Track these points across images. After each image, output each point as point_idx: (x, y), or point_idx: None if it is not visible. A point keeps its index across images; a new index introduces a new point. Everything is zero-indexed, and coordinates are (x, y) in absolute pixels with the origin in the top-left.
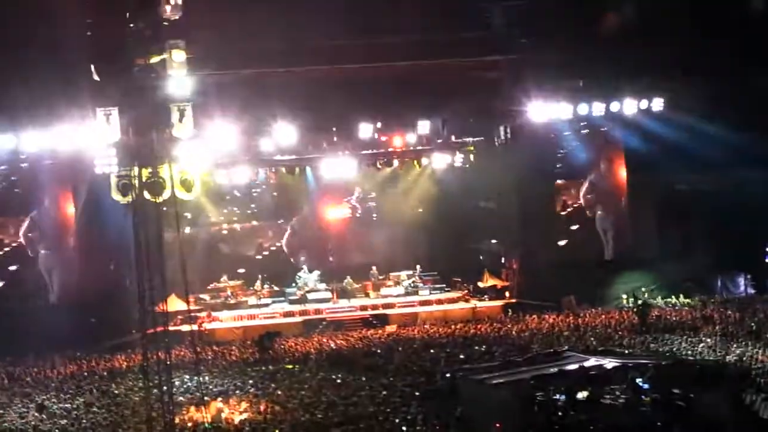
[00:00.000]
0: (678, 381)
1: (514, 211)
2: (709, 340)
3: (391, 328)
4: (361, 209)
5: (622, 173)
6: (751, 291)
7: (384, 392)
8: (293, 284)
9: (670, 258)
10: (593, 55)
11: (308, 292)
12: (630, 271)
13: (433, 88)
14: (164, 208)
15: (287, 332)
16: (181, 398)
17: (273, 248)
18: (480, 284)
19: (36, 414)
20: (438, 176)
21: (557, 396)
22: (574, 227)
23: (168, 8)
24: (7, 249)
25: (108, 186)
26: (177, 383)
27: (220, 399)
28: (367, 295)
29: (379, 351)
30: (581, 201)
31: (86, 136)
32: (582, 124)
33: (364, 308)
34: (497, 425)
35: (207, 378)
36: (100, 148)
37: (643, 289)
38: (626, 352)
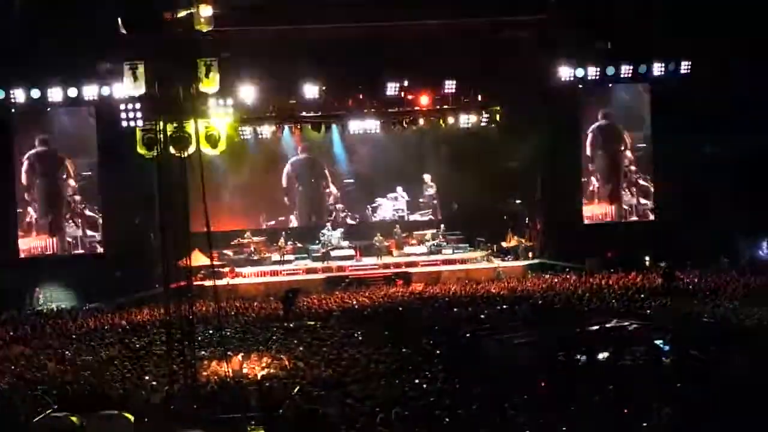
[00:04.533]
0: (698, 342)
1: (539, 171)
2: (730, 303)
3: (413, 287)
4: None
5: (648, 137)
6: None
7: (405, 350)
8: (316, 241)
9: (694, 222)
10: (621, 16)
11: (331, 249)
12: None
13: (460, 48)
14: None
15: (310, 289)
16: (203, 352)
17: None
18: (503, 244)
19: (58, 366)
20: (463, 135)
21: (578, 356)
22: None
23: None
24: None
25: (133, 140)
26: (199, 338)
27: (241, 354)
28: (390, 253)
29: (401, 309)
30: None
31: (112, 90)
32: (608, 85)
33: (386, 266)
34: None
35: (229, 333)
36: (125, 102)
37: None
38: (647, 313)
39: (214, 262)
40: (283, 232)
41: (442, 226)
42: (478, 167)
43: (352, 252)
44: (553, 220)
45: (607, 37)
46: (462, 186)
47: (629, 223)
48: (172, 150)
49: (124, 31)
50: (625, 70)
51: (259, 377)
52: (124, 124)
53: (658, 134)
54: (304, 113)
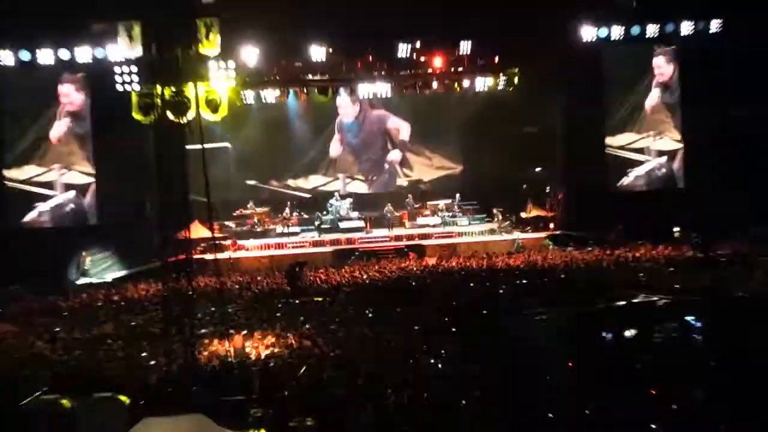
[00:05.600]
0: (732, 319)
1: (560, 137)
2: (765, 276)
3: (427, 260)
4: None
5: (677, 98)
6: None
7: (419, 327)
8: (324, 212)
9: (725, 190)
10: None
11: (340, 220)
12: (684, 202)
13: (476, 6)
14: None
15: (317, 263)
16: (203, 331)
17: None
18: (523, 215)
19: (48, 344)
20: (479, 100)
21: (603, 333)
22: (624, 155)
23: None
24: None
25: (128, 104)
26: (199, 315)
27: (244, 332)
28: (402, 224)
29: (414, 284)
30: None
31: (106, 52)
32: (634, 46)
33: (399, 239)
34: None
35: (231, 310)
36: (120, 65)
37: None
38: (677, 288)
39: (215, 234)
40: (289, 202)
41: (458, 195)
42: (495, 133)
43: (361, 223)
44: (575, 188)
45: None
46: (478, 153)
47: (657, 191)
48: (170, 115)
49: None
50: (652, 29)
51: (262, 357)
52: (119, 88)
53: (687, 97)
54: (310, 76)
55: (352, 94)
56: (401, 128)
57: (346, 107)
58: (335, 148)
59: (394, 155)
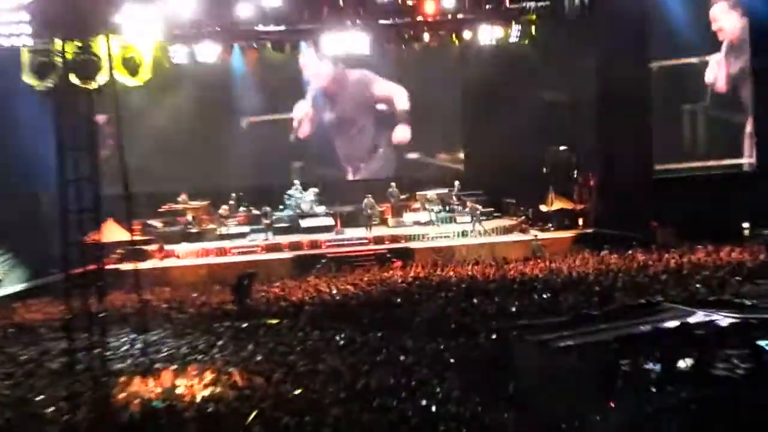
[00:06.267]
0: None
1: (593, 105)
2: None
3: (417, 269)
4: None
5: (746, 52)
6: None
7: (406, 358)
8: (281, 207)
9: None
10: None
11: (301, 217)
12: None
13: None
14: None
15: (271, 273)
16: (119, 365)
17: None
18: (543, 208)
19: None
20: (485, 56)
21: (650, 365)
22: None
23: None
24: None
25: (18, 65)
26: (114, 344)
27: (174, 366)
28: (384, 222)
29: (399, 300)
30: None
31: None
32: None
33: (379, 241)
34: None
35: (156, 337)
36: (5, 12)
37: None
38: (748, 303)
39: (135, 237)
40: (234, 194)
41: (457, 183)
42: (506, 101)
43: (330, 221)
44: (612, 173)
45: None
46: (484, 128)
47: (719, 177)
48: (74, 79)
49: None
50: None
51: (198, 400)
52: (4, 42)
53: (760, 49)
54: (261, 27)
55: (318, 49)
56: (394, 95)
57: (313, 68)
58: (305, 127)
59: (400, 134)
